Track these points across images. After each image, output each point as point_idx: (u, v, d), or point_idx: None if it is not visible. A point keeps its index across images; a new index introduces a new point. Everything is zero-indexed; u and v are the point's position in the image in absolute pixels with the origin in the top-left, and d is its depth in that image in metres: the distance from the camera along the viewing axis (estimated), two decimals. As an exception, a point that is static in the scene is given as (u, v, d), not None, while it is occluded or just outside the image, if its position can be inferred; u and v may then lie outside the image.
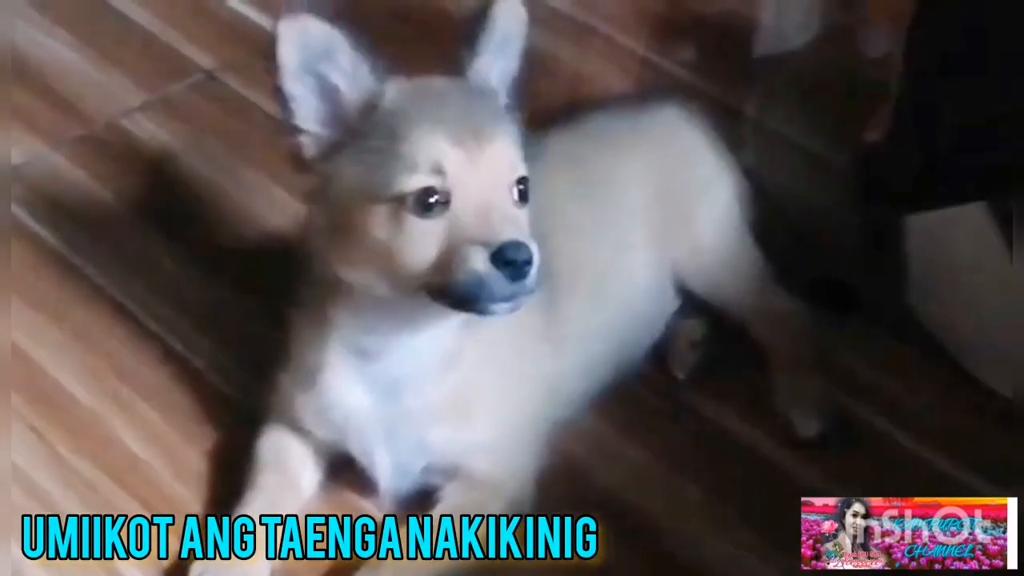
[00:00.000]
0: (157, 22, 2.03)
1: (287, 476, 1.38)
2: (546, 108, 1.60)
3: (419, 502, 1.37)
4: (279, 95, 1.21)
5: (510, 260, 1.14)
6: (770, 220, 1.59)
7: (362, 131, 1.21)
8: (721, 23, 2.03)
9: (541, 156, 1.34)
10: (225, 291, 1.64)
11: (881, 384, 1.55)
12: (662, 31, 2.02)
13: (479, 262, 1.15)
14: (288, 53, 1.19)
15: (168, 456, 1.46)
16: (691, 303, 1.56)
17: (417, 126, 1.18)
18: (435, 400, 1.31)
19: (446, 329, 1.28)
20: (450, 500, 1.35)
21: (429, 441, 1.33)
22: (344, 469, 1.40)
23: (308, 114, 1.21)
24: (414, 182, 1.17)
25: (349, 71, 1.21)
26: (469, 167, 1.17)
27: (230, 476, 1.40)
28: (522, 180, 1.20)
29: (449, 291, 1.17)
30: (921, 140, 1.57)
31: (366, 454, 1.35)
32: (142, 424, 1.49)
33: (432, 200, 1.17)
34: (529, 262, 1.15)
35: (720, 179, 1.56)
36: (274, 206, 1.74)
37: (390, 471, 1.35)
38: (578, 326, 1.41)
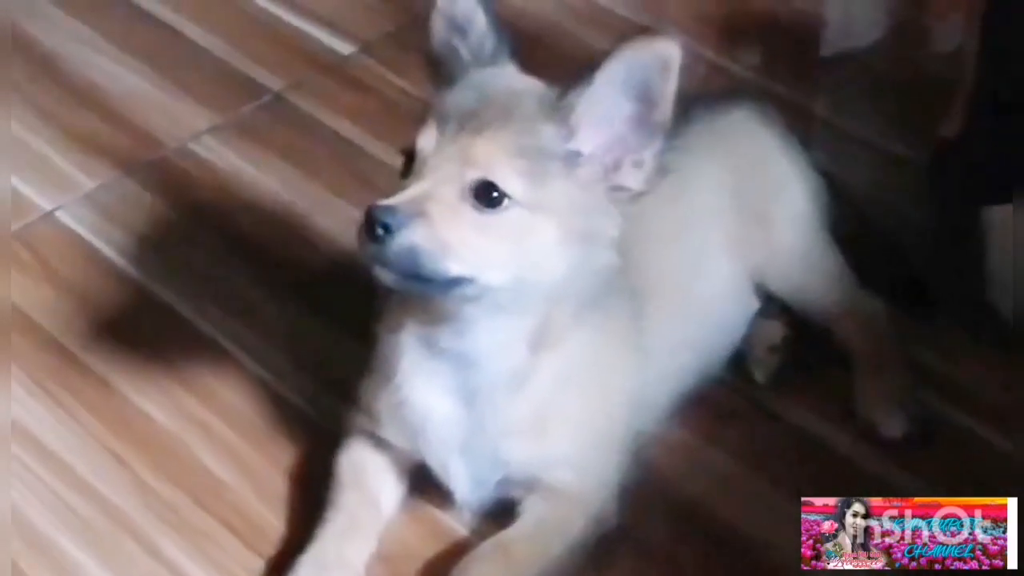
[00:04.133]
0: (224, 45, 2.04)
1: (367, 493, 1.37)
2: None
3: (501, 516, 1.36)
4: (428, 56, 1.27)
5: (368, 217, 1.15)
6: (845, 219, 1.57)
7: None
8: (787, 23, 2.01)
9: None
10: (299, 310, 1.64)
11: (967, 382, 1.52)
12: (727, 33, 2.01)
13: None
14: (436, 18, 1.26)
15: (249, 477, 1.46)
16: (771, 305, 1.54)
17: (436, 103, 1.22)
18: (511, 414, 1.30)
19: (509, 333, 1.26)
20: (530, 514, 1.34)
21: (504, 453, 1.32)
22: (425, 485, 1.39)
23: (445, 76, 1.27)
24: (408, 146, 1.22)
25: (475, 46, 1.25)
26: (437, 148, 1.19)
27: (312, 495, 1.39)
28: (487, 184, 1.18)
29: None
30: (997, 132, 1.55)
31: (442, 464, 1.34)
32: (222, 445, 1.49)
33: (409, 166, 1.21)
34: (387, 228, 1.14)
35: (795, 179, 1.54)
36: (345, 225, 1.74)
37: (467, 482, 1.34)
38: (663, 336, 1.39)
